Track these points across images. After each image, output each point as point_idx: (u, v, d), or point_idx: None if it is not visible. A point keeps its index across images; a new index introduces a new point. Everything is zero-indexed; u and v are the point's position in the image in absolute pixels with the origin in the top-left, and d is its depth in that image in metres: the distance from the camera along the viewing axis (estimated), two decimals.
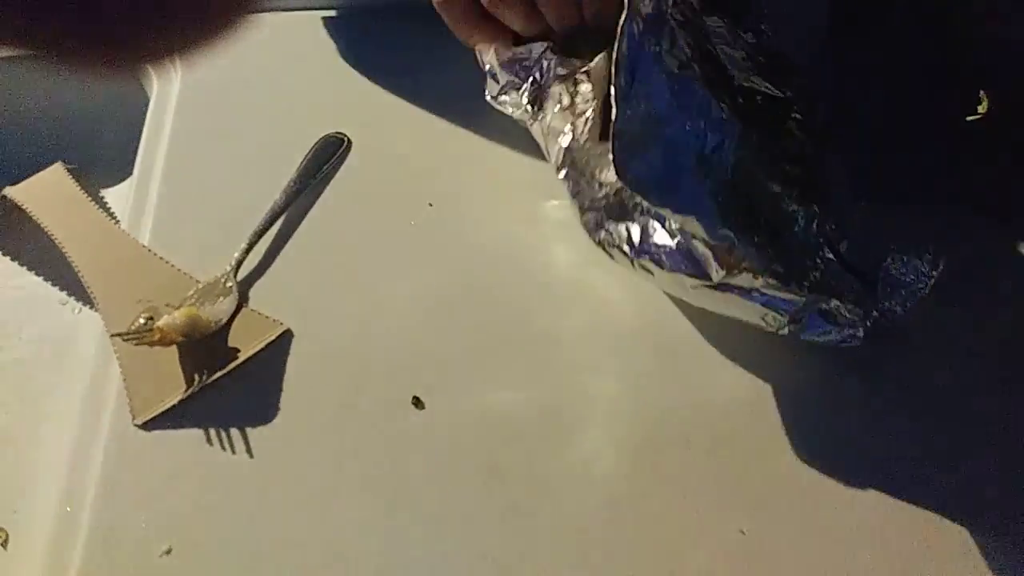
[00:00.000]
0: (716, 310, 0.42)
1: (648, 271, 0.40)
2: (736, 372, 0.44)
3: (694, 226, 0.37)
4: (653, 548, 0.38)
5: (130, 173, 0.55)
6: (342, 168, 0.53)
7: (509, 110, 0.48)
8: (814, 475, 0.40)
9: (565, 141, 0.43)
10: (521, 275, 0.48)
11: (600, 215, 0.42)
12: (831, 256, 0.41)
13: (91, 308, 0.50)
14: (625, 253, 0.41)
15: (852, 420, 0.42)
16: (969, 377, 0.44)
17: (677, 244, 0.39)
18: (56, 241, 0.49)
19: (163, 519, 0.39)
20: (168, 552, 0.37)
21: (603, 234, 0.42)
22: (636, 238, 0.40)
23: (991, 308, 0.46)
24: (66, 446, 0.42)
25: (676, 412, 0.42)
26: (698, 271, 0.39)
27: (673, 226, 0.39)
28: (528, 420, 0.42)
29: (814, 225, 0.40)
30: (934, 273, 0.42)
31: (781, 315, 0.40)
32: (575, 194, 0.43)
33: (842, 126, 0.47)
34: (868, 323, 0.41)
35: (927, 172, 0.48)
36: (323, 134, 0.54)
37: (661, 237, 0.40)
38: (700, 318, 0.46)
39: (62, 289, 0.55)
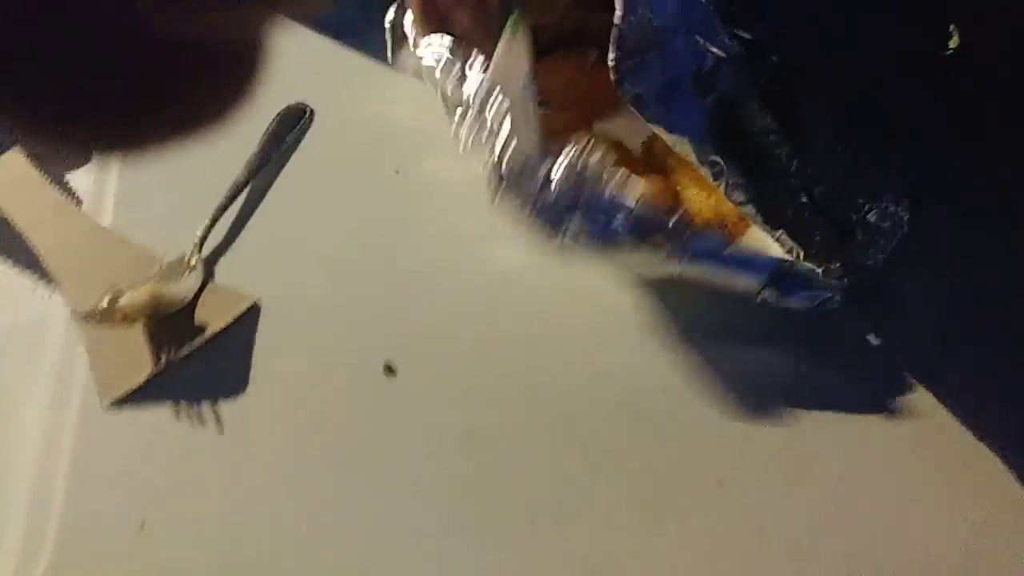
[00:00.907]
0: (694, 279, 0.41)
1: (622, 250, 0.40)
2: (715, 333, 0.43)
3: (684, 147, 0.36)
4: (631, 500, 0.38)
5: (91, 156, 0.54)
6: (306, 138, 0.53)
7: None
8: (792, 428, 0.40)
9: (488, 166, 0.42)
10: (491, 240, 0.47)
11: (555, 212, 0.40)
12: (806, 200, 0.40)
13: (60, 295, 0.49)
14: (596, 240, 0.40)
15: (829, 374, 0.42)
16: (947, 326, 0.43)
17: (639, 218, 0.39)
18: (15, 226, 0.48)
19: (136, 496, 0.38)
20: (142, 527, 0.37)
21: (566, 232, 0.40)
22: (601, 222, 0.39)
23: (967, 251, 0.45)
24: (37, 430, 0.41)
25: (654, 370, 0.42)
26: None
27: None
28: (501, 382, 0.42)
29: (794, 166, 0.39)
30: (907, 218, 0.41)
31: (757, 277, 0.40)
32: (522, 207, 0.41)
33: (813, 66, 0.46)
34: (845, 280, 0.40)
35: (901, 110, 0.47)
36: (285, 105, 0.54)
37: (625, 213, 0.39)
38: (679, 293, 0.45)
39: (32, 275, 0.54)
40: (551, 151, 0.40)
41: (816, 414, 0.40)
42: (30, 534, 0.38)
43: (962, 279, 0.44)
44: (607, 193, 0.39)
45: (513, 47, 0.45)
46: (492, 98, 0.42)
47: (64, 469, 0.39)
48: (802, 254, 0.39)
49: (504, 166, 0.40)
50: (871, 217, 0.40)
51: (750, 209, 0.38)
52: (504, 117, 0.42)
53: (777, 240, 0.39)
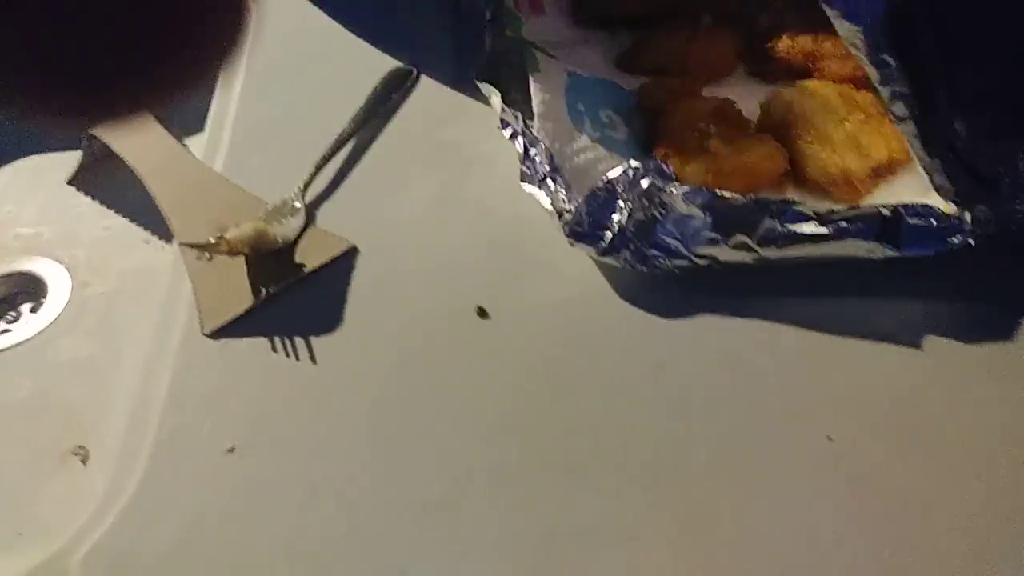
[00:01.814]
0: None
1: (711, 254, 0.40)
2: (827, 283, 0.40)
3: (856, 39, 0.34)
4: (732, 452, 0.35)
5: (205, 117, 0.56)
6: (411, 97, 0.53)
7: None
8: (909, 383, 0.37)
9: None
10: None
11: (630, 253, 0.40)
12: (950, 152, 0.37)
13: (172, 244, 0.51)
14: (681, 260, 0.40)
15: (953, 325, 0.38)
16: None
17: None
18: (135, 170, 0.50)
19: (227, 422, 0.38)
20: (231, 451, 0.37)
21: (648, 262, 0.40)
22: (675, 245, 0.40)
23: None
24: (140, 356, 0.42)
25: (757, 320, 0.39)
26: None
27: None
28: (594, 332, 0.40)
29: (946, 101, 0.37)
30: None
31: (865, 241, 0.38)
32: (598, 255, 0.41)
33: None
34: (970, 224, 0.37)
35: None
36: (392, 67, 0.54)
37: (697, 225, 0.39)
38: None
39: (146, 228, 0.56)
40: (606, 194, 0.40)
41: (937, 369, 0.37)
42: (125, 451, 0.38)
43: None
44: (672, 216, 0.39)
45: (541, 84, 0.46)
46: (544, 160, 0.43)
47: (162, 393, 0.40)
48: (952, 192, 0.36)
49: (566, 228, 0.40)
50: (1022, 166, 0.37)
51: (910, 128, 0.35)
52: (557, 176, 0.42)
53: (928, 171, 0.36)
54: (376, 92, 0.52)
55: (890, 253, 0.38)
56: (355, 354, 0.40)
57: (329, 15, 0.58)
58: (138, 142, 0.52)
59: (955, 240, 0.37)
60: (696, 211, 0.38)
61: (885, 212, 0.37)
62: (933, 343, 0.38)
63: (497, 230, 0.45)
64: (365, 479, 0.36)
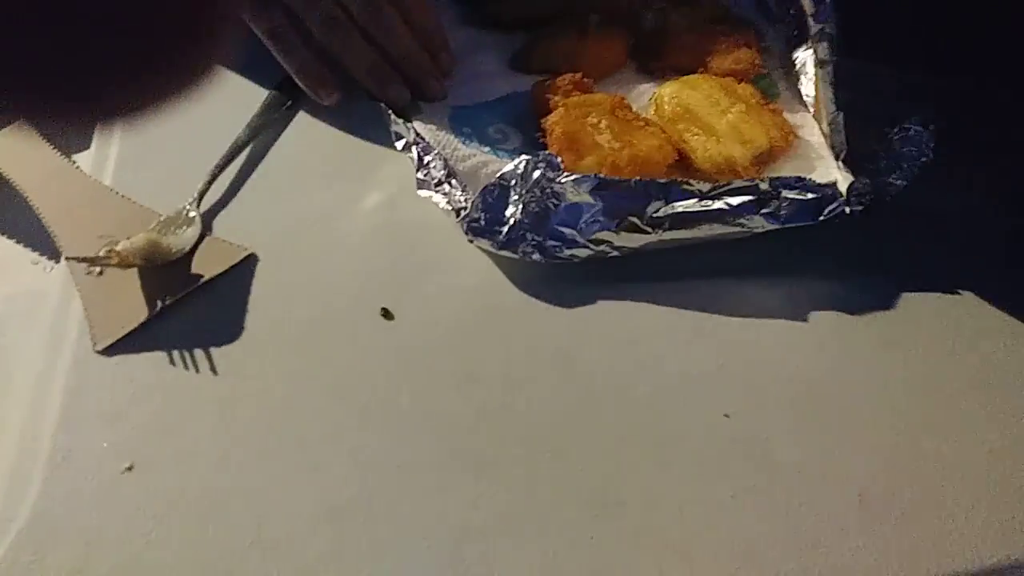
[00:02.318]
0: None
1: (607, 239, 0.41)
2: (716, 266, 0.42)
3: None
4: (636, 435, 0.36)
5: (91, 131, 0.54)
6: (307, 102, 0.52)
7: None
8: (797, 358, 0.39)
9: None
10: None
11: (528, 244, 0.41)
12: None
13: (62, 263, 0.49)
14: (578, 247, 0.41)
15: (834, 299, 0.41)
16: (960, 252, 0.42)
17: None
18: (17, 186, 0.48)
19: (125, 439, 0.37)
20: (129, 469, 0.36)
21: (548, 252, 0.41)
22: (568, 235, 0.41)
23: (989, 178, 0.44)
24: (30, 375, 0.41)
25: (655, 306, 0.41)
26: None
27: None
28: (498, 325, 0.41)
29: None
30: (932, 145, 0.41)
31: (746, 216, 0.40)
32: (494, 248, 0.42)
33: None
34: (851, 195, 0.40)
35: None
36: (287, 75, 0.53)
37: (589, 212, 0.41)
38: None
39: (33, 249, 0.54)
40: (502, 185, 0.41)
41: (824, 342, 0.39)
42: (17, 477, 0.37)
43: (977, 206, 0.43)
44: (564, 204, 0.40)
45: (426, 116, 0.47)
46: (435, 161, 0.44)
47: (54, 414, 0.38)
48: (843, 153, 0.40)
49: (464, 223, 0.41)
50: (896, 142, 0.40)
51: (828, 72, 0.38)
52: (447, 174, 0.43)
53: (830, 124, 0.40)
54: (271, 100, 0.52)
55: (772, 226, 0.40)
56: (257, 362, 0.40)
57: None
58: (20, 158, 0.50)
59: (831, 208, 0.39)
60: (587, 197, 0.40)
61: (764, 186, 0.39)
62: (820, 318, 0.40)
63: (397, 232, 0.45)
64: (272, 487, 0.35)
